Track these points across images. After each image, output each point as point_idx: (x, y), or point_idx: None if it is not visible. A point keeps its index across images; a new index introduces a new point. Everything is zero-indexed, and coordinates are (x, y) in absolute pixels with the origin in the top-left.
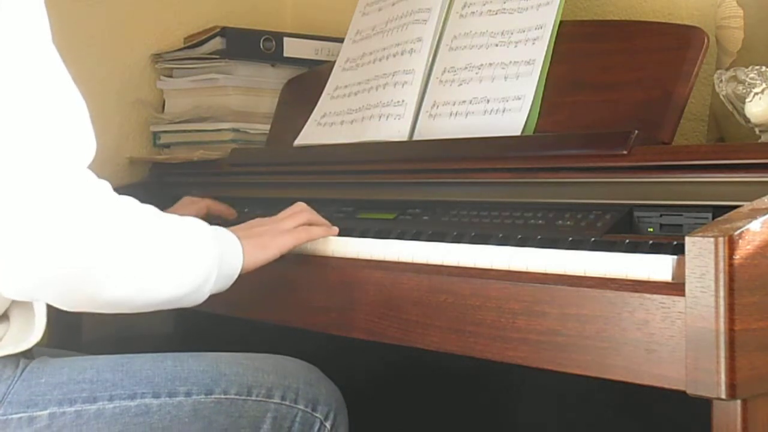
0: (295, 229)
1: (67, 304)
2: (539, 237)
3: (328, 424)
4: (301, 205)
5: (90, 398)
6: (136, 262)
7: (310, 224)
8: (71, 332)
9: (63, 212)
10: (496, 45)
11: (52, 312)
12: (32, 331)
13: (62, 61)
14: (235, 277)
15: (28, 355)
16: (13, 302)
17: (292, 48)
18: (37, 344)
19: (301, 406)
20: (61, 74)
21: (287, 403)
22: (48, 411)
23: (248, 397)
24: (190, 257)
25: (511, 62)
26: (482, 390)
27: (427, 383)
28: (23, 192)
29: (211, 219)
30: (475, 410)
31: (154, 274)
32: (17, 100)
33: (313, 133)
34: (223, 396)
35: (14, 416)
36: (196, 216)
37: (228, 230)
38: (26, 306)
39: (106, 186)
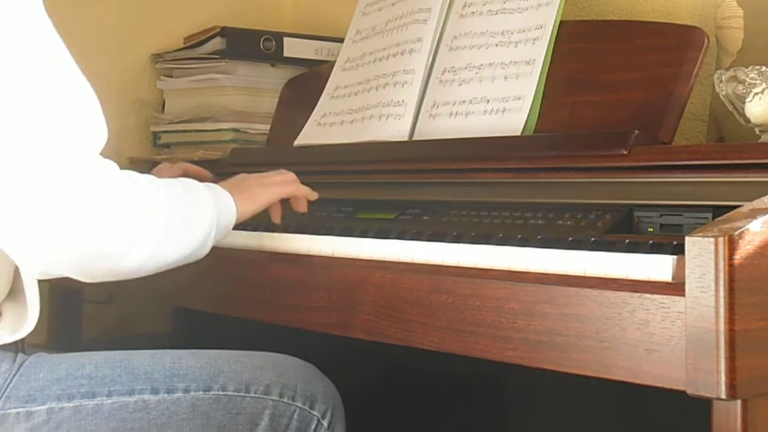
0: (282, 182)
1: (86, 276)
2: (539, 237)
3: (325, 422)
4: (290, 174)
5: (88, 394)
6: (147, 233)
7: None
8: (71, 333)
9: (77, 194)
10: (496, 45)
11: (52, 313)
12: (26, 321)
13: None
14: (231, 227)
15: (25, 351)
16: (5, 299)
17: (292, 48)
18: (36, 345)
19: (299, 404)
20: (69, 63)
21: (285, 400)
22: (46, 406)
23: (246, 394)
24: (194, 219)
25: (511, 62)
26: (481, 390)
27: (425, 384)
28: (39, 176)
29: None
30: (474, 410)
31: (163, 241)
32: (28, 90)
33: (313, 133)
34: (221, 392)
35: (12, 411)
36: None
37: (219, 186)
38: (18, 300)
39: (113, 165)
